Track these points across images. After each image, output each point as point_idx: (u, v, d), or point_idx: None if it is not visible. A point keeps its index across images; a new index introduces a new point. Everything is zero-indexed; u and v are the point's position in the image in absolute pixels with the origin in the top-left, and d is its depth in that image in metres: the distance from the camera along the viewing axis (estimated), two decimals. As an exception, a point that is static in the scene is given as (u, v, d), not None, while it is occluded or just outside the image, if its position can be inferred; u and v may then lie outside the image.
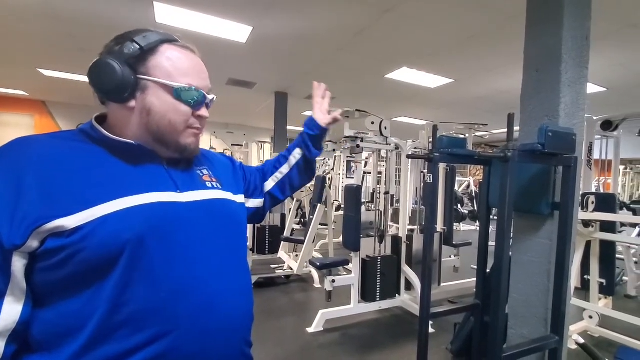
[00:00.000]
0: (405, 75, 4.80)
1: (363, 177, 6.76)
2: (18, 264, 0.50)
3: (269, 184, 0.92)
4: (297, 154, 0.94)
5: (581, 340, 1.59)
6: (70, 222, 0.50)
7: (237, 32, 3.61)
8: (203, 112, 0.65)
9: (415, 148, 3.59)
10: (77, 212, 0.51)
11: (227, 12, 3.20)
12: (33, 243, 0.49)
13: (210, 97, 0.66)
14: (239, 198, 0.76)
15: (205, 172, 0.71)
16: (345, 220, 2.98)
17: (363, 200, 4.60)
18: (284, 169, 0.93)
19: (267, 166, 0.95)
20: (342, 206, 5.39)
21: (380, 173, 3.67)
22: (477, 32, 3.38)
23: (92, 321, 0.51)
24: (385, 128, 2.93)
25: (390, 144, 3.03)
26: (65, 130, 0.62)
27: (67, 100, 7.84)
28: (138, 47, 0.58)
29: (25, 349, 0.53)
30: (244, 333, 0.67)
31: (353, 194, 2.91)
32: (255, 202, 0.89)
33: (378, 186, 3.32)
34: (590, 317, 2.63)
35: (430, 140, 1.65)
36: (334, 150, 3.55)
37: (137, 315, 0.53)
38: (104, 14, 3.34)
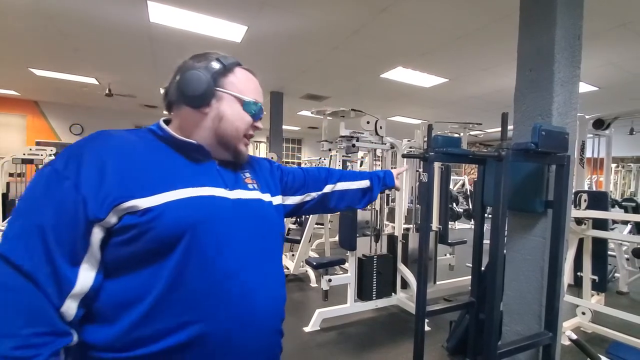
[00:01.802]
0: (400, 74, 4.81)
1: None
2: (96, 236, 0.56)
3: (330, 187, 1.02)
4: (365, 183, 1.08)
5: (574, 336, 1.62)
6: (143, 203, 0.57)
7: (232, 31, 3.60)
8: (259, 124, 0.77)
9: (410, 147, 3.61)
10: (148, 195, 0.58)
11: (221, 11, 3.19)
12: (112, 219, 0.56)
13: (264, 113, 0.79)
14: (276, 199, 0.84)
15: (247, 175, 0.79)
16: (341, 220, 2.99)
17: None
18: (350, 185, 1.06)
19: (333, 173, 1.05)
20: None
21: (375, 172, 3.68)
22: (471, 31, 3.40)
23: (150, 296, 0.57)
24: (381, 127, 2.94)
25: (385, 144, 3.05)
26: (136, 129, 0.70)
27: (60, 100, 7.75)
28: (222, 65, 0.71)
29: (86, 319, 0.58)
30: (277, 322, 0.73)
31: (349, 193, 2.92)
32: (294, 199, 0.97)
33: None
34: (583, 313, 2.66)
35: (425, 139, 1.66)
36: (329, 149, 3.55)
37: (189, 294, 0.59)
38: (96, 13, 3.31)
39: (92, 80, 5.71)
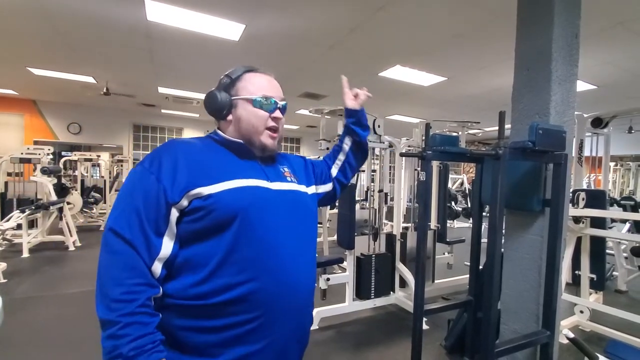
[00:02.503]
0: (398, 73, 4.81)
1: (357, 175, 6.77)
2: (174, 215, 0.74)
3: (334, 171, 1.14)
4: (347, 142, 1.14)
5: (571, 335, 1.62)
6: (206, 190, 0.74)
7: (229, 30, 3.59)
8: (277, 114, 0.87)
9: (409, 146, 3.61)
10: (210, 184, 0.75)
11: (219, 10, 3.18)
12: (184, 202, 0.74)
13: (281, 103, 0.88)
14: (310, 190, 0.98)
15: (286, 169, 0.93)
16: (340, 219, 2.98)
17: (357, 199, 4.61)
18: (341, 157, 1.15)
19: (328, 157, 1.16)
20: (337, 204, 5.40)
21: (374, 171, 3.68)
22: (469, 30, 3.40)
23: (213, 260, 0.74)
24: (379, 126, 2.94)
25: (383, 142, 3.04)
26: (200, 137, 0.90)
27: (58, 99, 7.73)
28: (229, 78, 0.86)
29: (168, 277, 0.75)
30: (310, 296, 0.88)
31: (347, 192, 2.92)
32: (325, 187, 1.10)
33: (372, 184, 3.33)
34: (581, 311, 2.67)
35: (424, 138, 1.66)
36: (327, 148, 3.55)
37: (241, 260, 0.75)
38: (93, 12, 3.29)
39: (90, 79, 5.69)
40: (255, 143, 0.86)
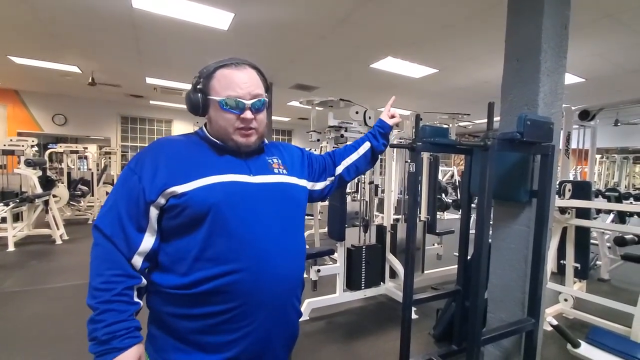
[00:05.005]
0: (389, 64, 4.79)
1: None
2: (153, 212, 0.78)
3: (339, 169, 1.14)
4: (366, 146, 1.17)
5: (555, 322, 1.66)
6: (180, 189, 0.77)
7: (218, 18, 3.51)
8: (245, 115, 0.82)
9: (400, 138, 3.61)
10: (184, 183, 0.77)
11: (207, -3, 3.10)
12: (161, 200, 0.77)
13: (249, 102, 0.82)
14: (302, 182, 0.97)
15: (275, 160, 0.93)
16: (331, 211, 2.98)
17: (348, 191, 4.62)
18: (354, 157, 1.16)
19: (336, 154, 1.17)
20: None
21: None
22: (459, 20, 3.39)
23: (191, 254, 0.77)
24: (370, 117, 2.93)
25: (374, 134, 3.03)
26: (188, 133, 0.91)
27: (41, 89, 7.51)
28: (200, 77, 0.84)
29: (154, 268, 0.81)
30: (294, 288, 0.88)
31: (338, 184, 2.91)
32: (321, 185, 1.10)
33: (363, 176, 3.33)
34: (566, 300, 2.73)
35: (414, 129, 1.65)
36: (318, 140, 3.52)
37: (216, 255, 0.77)
38: (76, -2, 3.19)
39: (74, 68, 5.53)
40: (229, 143, 0.85)
